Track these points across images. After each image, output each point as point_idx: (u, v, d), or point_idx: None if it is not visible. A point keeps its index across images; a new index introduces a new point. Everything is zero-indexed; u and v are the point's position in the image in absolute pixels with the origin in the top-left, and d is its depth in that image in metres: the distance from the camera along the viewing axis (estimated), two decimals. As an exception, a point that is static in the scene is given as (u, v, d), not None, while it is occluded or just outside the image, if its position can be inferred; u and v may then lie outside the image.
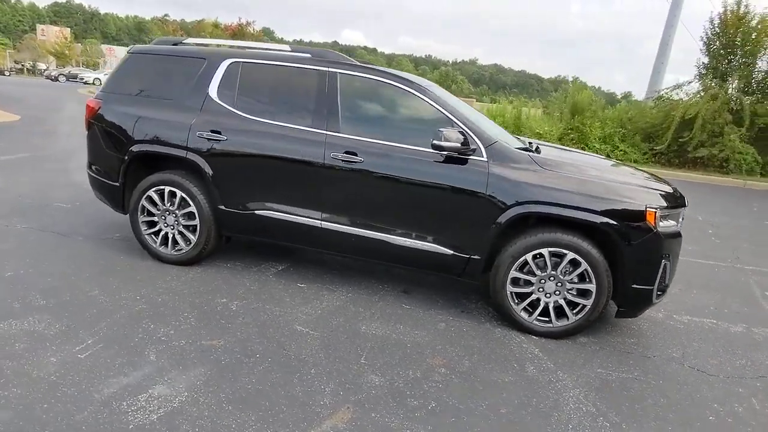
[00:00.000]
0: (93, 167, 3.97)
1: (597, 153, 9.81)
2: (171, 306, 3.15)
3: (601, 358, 3.03)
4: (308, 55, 3.57)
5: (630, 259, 2.99)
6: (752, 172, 12.73)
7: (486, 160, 3.15)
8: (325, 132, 3.36)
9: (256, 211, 3.54)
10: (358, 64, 3.59)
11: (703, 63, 14.27)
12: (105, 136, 3.83)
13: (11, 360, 2.44)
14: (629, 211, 2.97)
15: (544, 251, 3.08)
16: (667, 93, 14.73)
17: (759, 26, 13.06)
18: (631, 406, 2.56)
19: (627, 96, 16.67)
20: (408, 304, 3.54)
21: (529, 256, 3.11)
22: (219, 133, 3.50)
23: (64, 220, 4.63)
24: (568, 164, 3.25)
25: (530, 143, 3.88)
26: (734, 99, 13.15)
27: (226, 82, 3.60)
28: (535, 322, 3.20)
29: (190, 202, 3.62)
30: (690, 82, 14.32)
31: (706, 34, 14.25)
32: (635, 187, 3.12)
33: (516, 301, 3.21)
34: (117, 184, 3.80)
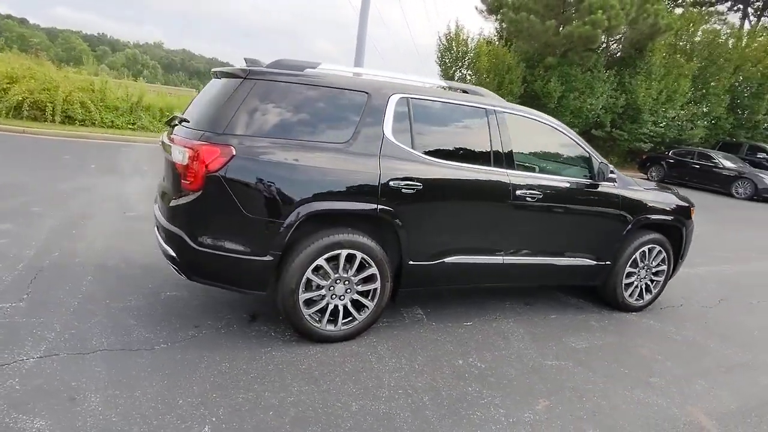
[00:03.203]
0: (212, 241, 2.69)
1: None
2: (445, 384, 2.73)
3: (689, 315, 4.34)
4: (461, 91, 3.46)
5: (684, 242, 4.36)
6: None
7: (613, 184, 3.92)
8: (506, 171, 3.42)
9: (446, 260, 3.28)
10: (507, 103, 3.71)
11: (441, 71, 18.02)
12: (245, 195, 2.67)
13: None
14: (687, 211, 4.31)
15: (646, 248, 4.13)
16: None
17: (475, 47, 17.42)
18: (747, 338, 3.90)
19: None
20: (550, 314, 4.00)
21: (637, 254, 4.10)
22: (413, 180, 3.04)
23: (69, 327, 2.83)
24: (640, 182, 4.35)
25: None
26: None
27: (398, 120, 3.10)
28: (634, 301, 4.25)
29: (372, 263, 3.01)
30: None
31: (439, 49, 18.02)
32: (677, 195, 4.47)
33: (624, 290, 4.17)
34: (266, 258, 2.75)
